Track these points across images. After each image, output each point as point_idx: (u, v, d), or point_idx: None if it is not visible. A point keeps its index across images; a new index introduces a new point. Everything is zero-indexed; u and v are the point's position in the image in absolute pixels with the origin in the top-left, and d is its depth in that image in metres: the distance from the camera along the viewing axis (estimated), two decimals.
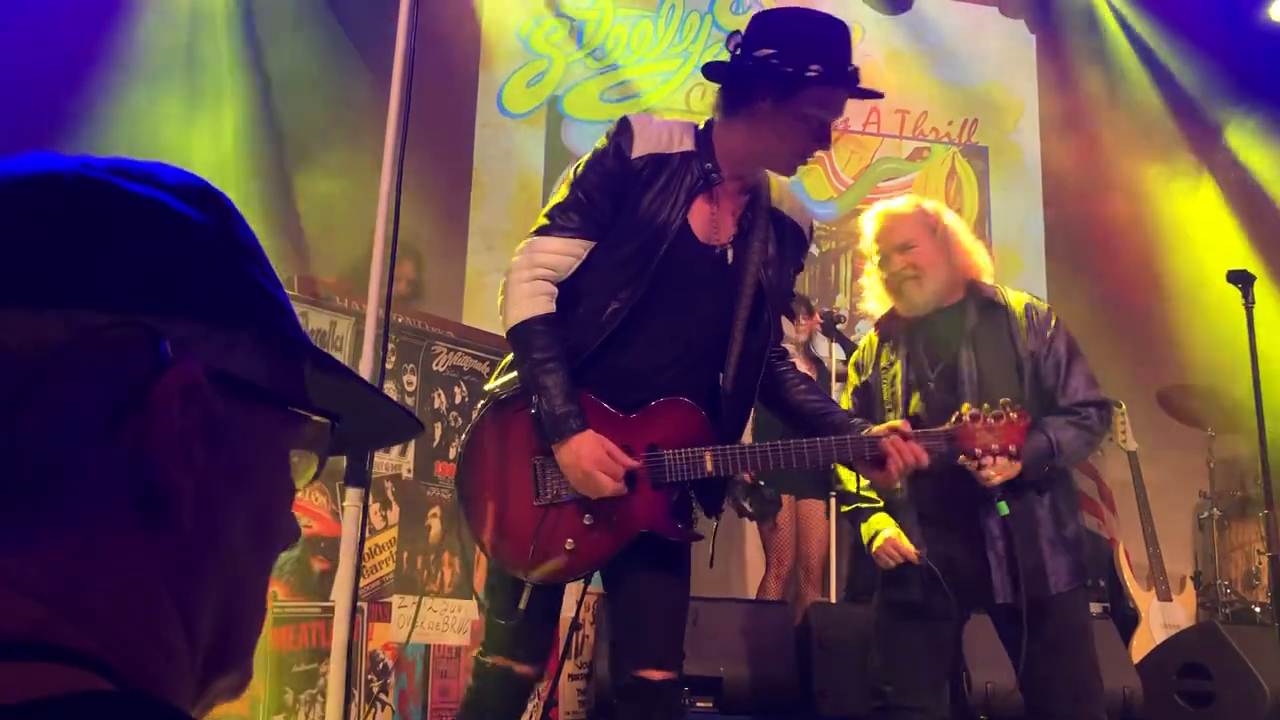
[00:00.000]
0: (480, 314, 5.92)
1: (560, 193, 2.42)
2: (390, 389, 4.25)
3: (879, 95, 2.44)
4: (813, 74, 2.30)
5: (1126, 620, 5.00)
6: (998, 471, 2.67)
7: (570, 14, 7.02)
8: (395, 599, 4.32)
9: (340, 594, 2.43)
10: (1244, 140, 7.10)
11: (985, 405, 2.50)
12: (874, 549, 3.03)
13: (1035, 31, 7.71)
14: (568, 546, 2.35)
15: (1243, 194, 6.94)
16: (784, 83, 2.32)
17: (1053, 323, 2.91)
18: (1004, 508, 2.78)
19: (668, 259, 2.34)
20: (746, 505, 5.43)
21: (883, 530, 3.00)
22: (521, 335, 2.33)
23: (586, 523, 2.35)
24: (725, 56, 2.42)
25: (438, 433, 4.04)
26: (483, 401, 2.49)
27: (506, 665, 2.46)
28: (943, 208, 3.03)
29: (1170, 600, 5.12)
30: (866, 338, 3.13)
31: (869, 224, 3.00)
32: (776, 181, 2.55)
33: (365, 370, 2.53)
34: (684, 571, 2.49)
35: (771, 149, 2.39)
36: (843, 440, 2.41)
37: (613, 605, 2.51)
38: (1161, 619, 5.05)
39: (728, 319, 2.42)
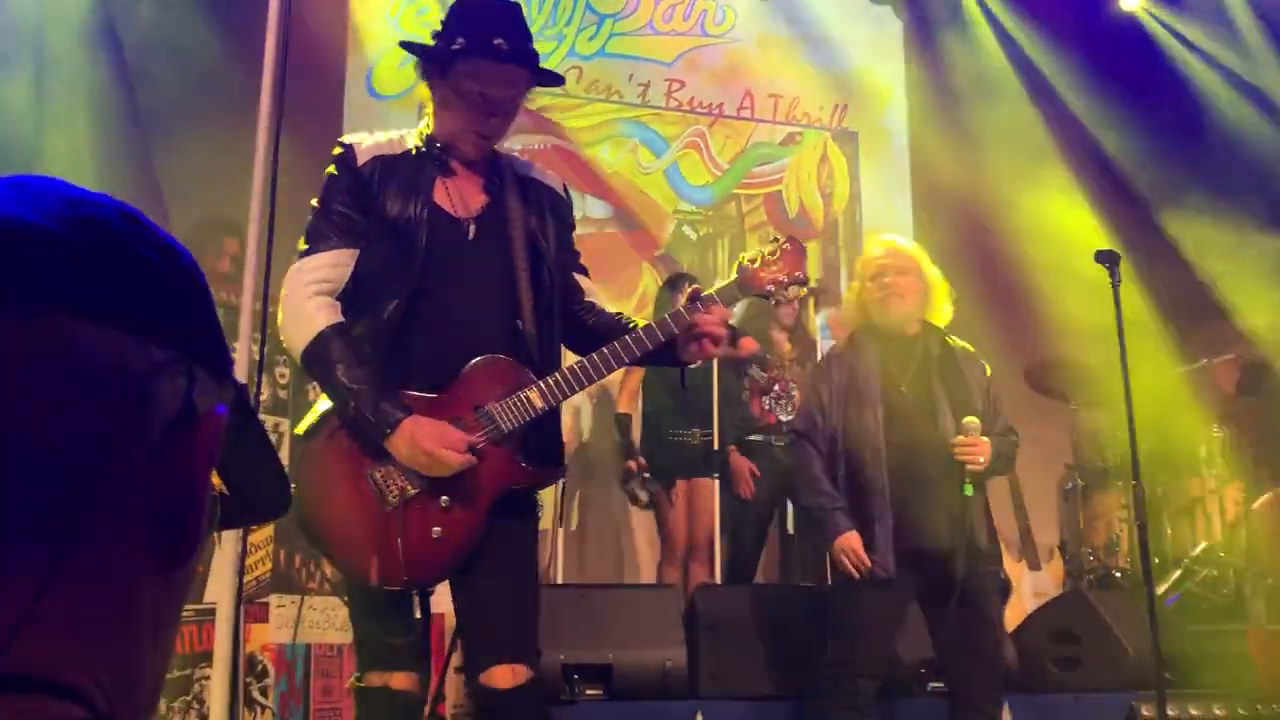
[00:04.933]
0: None
1: (309, 221, 2.44)
2: (264, 383, 4.10)
3: (543, 75, 2.48)
4: (457, 47, 2.38)
5: (1000, 591, 5.16)
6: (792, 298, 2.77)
7: None
8: (274, 599, 4.19)
9: (222, 596, 2.33)
10: (1100, 124, 7.38)
11: (759, 249, 2.58)
12: (836, 552, 3.46)
13: (901, 17, 7.88)
14: (435, 535, 2.31)
15: (1102, 179, 7.22)
16: (439, 61, 2.43)
17: (986, 368, 3.64)
18: (969, 489, 3.36)
19: (429, 244, 2.38)
20: (641, 495, 5.42)
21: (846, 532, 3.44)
22: (317, 349, 2.31)
23: (444, 505, 2.31)
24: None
25: None
26: (298, 448, 2.44)
27: (383, 684, 2.40)
28: (925, 255, 3.66)
29: (1040, 569, 5.31)
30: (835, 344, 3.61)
31: (875, 246, 3.64)
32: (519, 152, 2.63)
33: (241, 364, 2.43)
34: (526, 561, 2.44)
35: (453, 127, 2.46)
36: (650, 326, 2.42)
37: (456, 610, 2.45)
38: (1032, 588, 5.24)
39: (510, 281, 2.44)
